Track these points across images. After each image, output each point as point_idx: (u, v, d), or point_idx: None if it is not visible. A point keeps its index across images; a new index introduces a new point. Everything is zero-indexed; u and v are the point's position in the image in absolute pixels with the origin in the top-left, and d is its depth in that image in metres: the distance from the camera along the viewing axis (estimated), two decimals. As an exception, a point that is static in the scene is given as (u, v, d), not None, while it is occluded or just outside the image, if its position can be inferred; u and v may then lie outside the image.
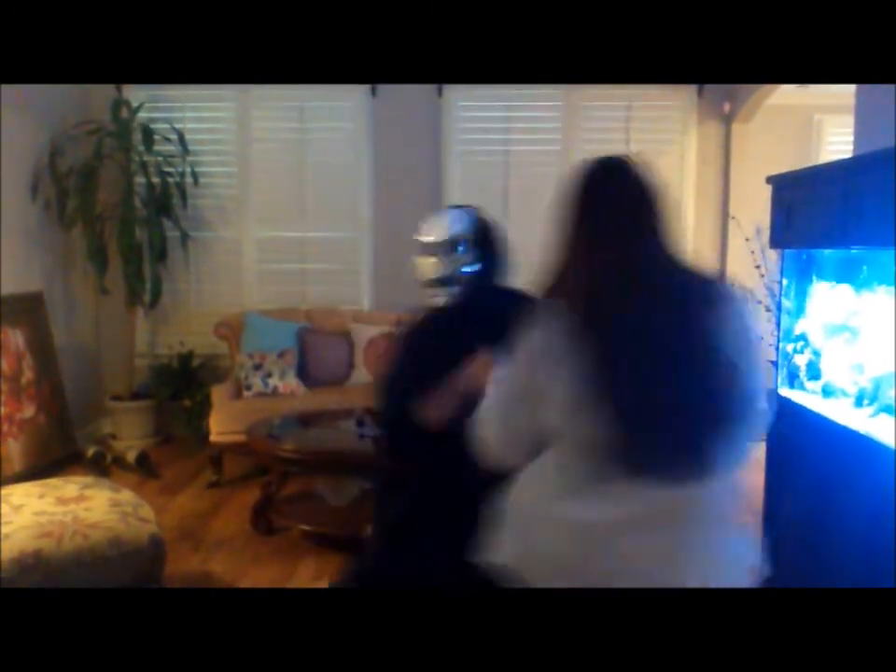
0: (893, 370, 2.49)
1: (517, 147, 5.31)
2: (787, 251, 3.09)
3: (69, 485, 2.72)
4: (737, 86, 5.03)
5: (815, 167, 3.26)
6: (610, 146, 5.22)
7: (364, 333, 4.81)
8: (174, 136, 4.97)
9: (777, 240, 3.08)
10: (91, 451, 4.59)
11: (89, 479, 2.90)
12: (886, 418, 2.48)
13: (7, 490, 2.67)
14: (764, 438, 3.03)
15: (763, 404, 1.42)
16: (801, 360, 2.99)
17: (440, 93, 5.22)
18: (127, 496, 2.72)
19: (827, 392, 2.84)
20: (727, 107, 5.21)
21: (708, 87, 5.19)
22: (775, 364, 3.14)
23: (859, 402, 2.63)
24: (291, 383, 4.57)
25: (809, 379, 2.95)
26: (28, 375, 4.39)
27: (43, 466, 4.23)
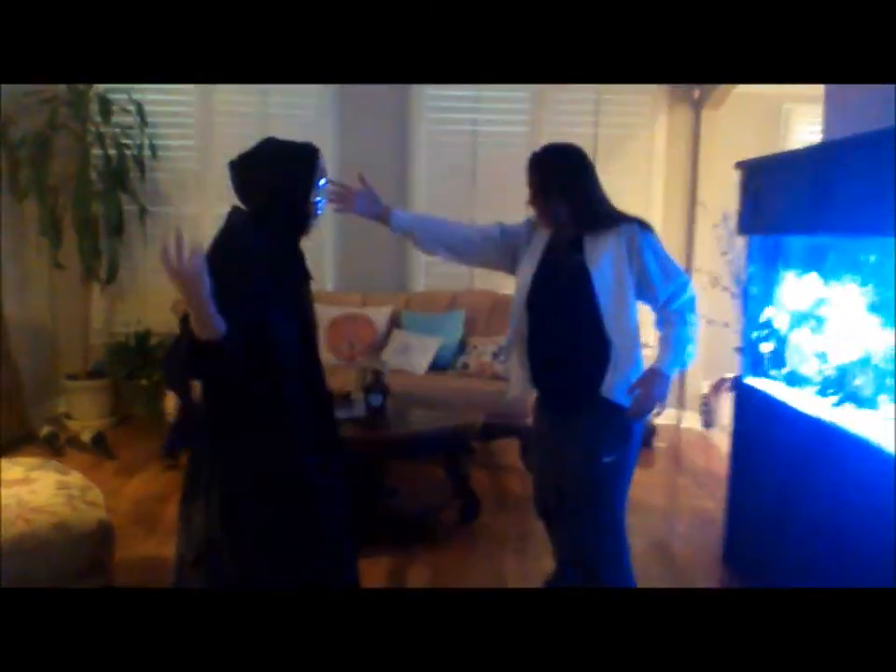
0: (857, 359, 2.49)
1: (485, 128, 5.24)
2: (754, 238, 3.07)
3: (14, 467, 2.61)
4: (708, 71, 5.00)
5: (784, 153, 3.24)
6: (579, 129, 5.17)
7: (327, 314, 4.73)
8: (132, 107, 4.81)
9: (745, 226, 3.06)
10: (44, 431, 4.46)
11: (35, 460, 2.79)
12: (850, 407, 2.47)
13: (-52, 472, 2.55)
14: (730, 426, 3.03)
15: None
16: (766, 348, 2.98)
17: (408, 70, 5.13)
18: (75, 478, 2.62)
19: (792, 380, 2.83)
20: (697, 94, 5.19)
21: (679, 71, 5.16)
22: (740, 351, 3.13)
23: (823, 391, 2.62)
24: (252, 363, 4.45)
25: (774, 367, 2.94)
26: (-24, 352, 4.24)
27: (-8, 446, 4.09)
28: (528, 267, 2.26)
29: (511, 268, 2.36)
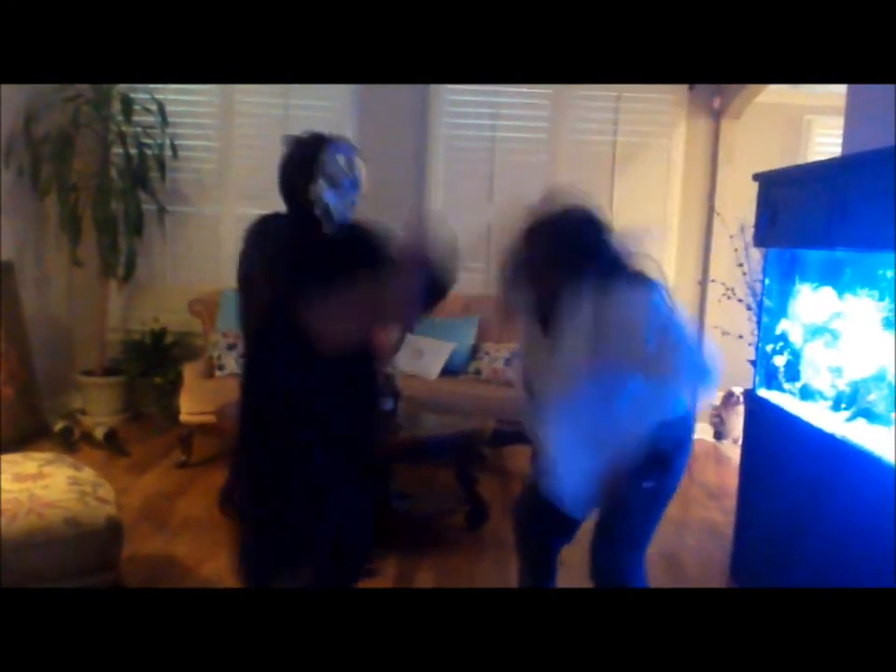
0: (872, 374, 2.47)
1: (504, 134, 5.24)
2: (770, 250, 3.06)
3: (28, 462, 2.63)
4: (728, 81, 4.99)
5: (802, 166, 3.22)
6: (598, 135, 5.18)
7: (342, 316, 4.74)
8: (154, 107, 4.85)
9: (761, 238, 3.04)
10: (58, 426, 4.50)
11: (49, 455, 2.82)
12: (862, 423, 2.45)
13: (-37, 465, 2.58)
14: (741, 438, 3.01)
15: None
16: (780, 361, 2.96)
17: (428, 75, 5.14)
18: (87, 474, 2.64)
19: (805, 394, 2.81)
20: (717, 103, 5.17)
21: (699, 81, 5.14)
22: (753, 363, 3.11)
23: (836, 406, 2.60)
24: (265, 364, 4.47)
25: (787, 380, 2.93)
26: (-5, 346, 4.29)
27: (8, 439, 4.13)
28: None
29: None
